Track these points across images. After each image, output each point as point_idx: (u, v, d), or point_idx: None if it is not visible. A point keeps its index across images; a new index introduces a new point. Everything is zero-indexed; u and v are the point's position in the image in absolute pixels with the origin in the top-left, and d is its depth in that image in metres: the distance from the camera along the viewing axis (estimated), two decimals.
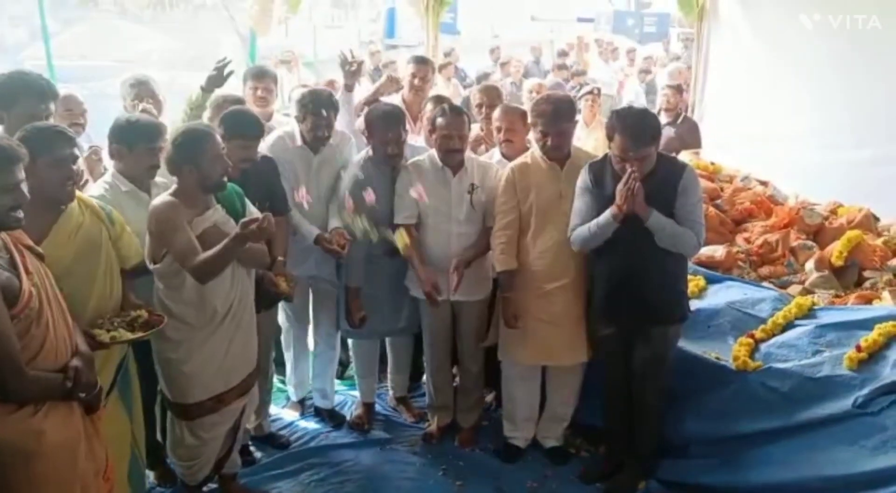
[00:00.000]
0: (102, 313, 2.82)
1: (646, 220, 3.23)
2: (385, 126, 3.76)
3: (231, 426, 3.29)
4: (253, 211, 3.21)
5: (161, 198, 2.99)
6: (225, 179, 3.01)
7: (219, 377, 3.11)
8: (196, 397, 3.10)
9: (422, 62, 4.92)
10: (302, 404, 4.39)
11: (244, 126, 3.43)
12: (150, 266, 2.99)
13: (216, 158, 2.97)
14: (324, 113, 3.77)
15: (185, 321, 3.01)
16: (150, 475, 3.60)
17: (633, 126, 3.24)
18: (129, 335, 2.75)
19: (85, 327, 2.68)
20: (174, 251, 2.88)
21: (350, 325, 3.95)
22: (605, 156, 3.44)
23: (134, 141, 3.20)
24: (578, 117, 6.82)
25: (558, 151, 3.56)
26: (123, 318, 2.81)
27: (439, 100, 4.32)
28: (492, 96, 4.55)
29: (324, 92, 3.97)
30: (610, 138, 3.32)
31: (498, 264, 3.62)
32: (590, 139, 6.49)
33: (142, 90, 4.17)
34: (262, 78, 4.54)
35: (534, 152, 3.65)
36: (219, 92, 3.89)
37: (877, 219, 4.75)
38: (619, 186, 3.21)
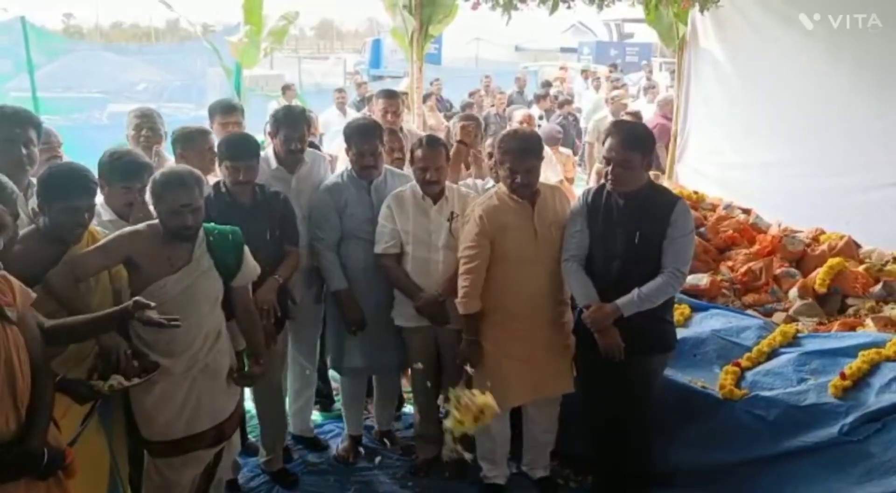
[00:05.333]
0: (89, 349, 2.80)
1: (623, 315, 3.28)
2: (361, 138, 3.83)
3: (202, 471, 3.20)
4: (250, 262, 3.16)
5: (144, 223, 3.01)
6: (185, 230, 2.92)
7: (177, 423, 3.01)
8: (155, 436, 3.03)
9: (391, 96, 4.94)
10: (286, 449, 4.20)
11: (236, 148, 3.49)
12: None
13: (173, 212, 2.89)
14: (296, 126, 3.83)
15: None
16: None
17: (624, 130, 3.35)
18: (126, 383, 2.69)
19: (63, 361, 2.67)
20: (70, 260, 2.81)
21: (348, 329, 3.89)
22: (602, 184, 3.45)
23: (111, 178, 3.23)
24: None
25: (527, 188, 3.50)
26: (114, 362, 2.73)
27: (391, 132, 4.40)
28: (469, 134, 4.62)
29: (297, 107, 4.01)
30: (603, 143, 3.39)
31: (462, 307, 3.53)
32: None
33: (143, 122, 4.19)
34: (231, 112, 4.52)
35: (500, 191, 3.59)
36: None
37: (858, 246, 4.80)
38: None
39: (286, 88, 11.09)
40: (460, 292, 3.54)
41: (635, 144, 3.26)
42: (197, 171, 3.04)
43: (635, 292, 3.25)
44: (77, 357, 2.80)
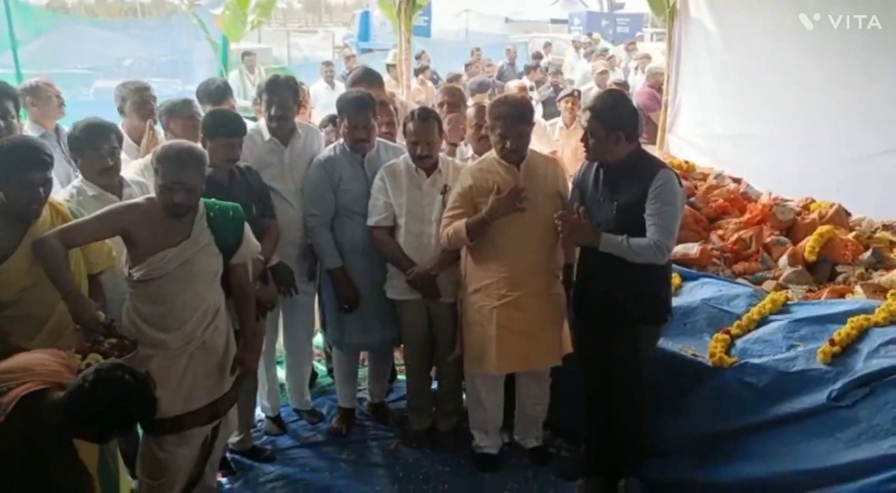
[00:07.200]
0: (65, 325, 2.79)
1: (598, 247, 3.25)
2: (355, 111, 3.79)
3: (198, 450, 3.20)
4: (251, 240, 3.16)
5: (143, 196, 3.01)
6: (173, 207, 2.90)
7: (175, 399, 2.99)
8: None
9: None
10: (279, 421, 4.27)
11: (225, 125, 3.45)
12: (125, 272, 2.97)
13: (164, 187, 2.88)
14: (277, 91, 3.79)
15: (138, 330, 2.95)
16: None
17: (590, 101, 3.39)
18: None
19: (48, 340, 2.67)
20: (73, 223, 2.86)
21: (341, 307, 3.91)
22: None
23: (79, 146, 3.23)
24: (557, 120, 6.91)
25: (517, 153, 3.53)
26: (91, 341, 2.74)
27: (382, 104, 4.27)
28: (454, 96, 4.62)
29: (281, 76, 3.96)
30: None
31: (455, 233, 3.52)
32: (570, 140, 6.51)
33: (147, 95, 4.19)
34: (223, 99, 4.49)
35: (489, 156, 3.63)
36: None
37: (848, 214, 4.80)
38: (557, 218, 3.30)
39: (245, 55, 10.62)
40: (446, 233, 3.57)
41: (597, 114, 3.27)
42: (201, 149, 3.02)
43: (624, 236, 3.22)
44: (53, 335, 2.79)
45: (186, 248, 2.95)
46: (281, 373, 4.40)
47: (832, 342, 3.38)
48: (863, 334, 3.41)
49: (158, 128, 4.13)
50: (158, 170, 2.89)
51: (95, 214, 2.90)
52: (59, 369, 2.30)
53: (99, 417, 2.13)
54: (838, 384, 3.23)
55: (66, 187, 3.39)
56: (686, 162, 5.75)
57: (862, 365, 3.27)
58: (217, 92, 4.51)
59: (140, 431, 3.16)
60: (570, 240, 3.38)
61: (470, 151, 4.19)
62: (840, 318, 3.53)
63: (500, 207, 3.42)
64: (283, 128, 3.85)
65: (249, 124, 3.89)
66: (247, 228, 3.15)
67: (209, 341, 3.07)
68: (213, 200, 3.09)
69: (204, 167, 2.97)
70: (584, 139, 3.35)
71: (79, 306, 2.78)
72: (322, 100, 8.71)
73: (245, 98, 8.95)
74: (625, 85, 8.37)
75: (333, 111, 4.21)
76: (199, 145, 3.09)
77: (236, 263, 3.14)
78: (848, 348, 3.37)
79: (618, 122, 3.27)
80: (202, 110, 4.12)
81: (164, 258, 2.90)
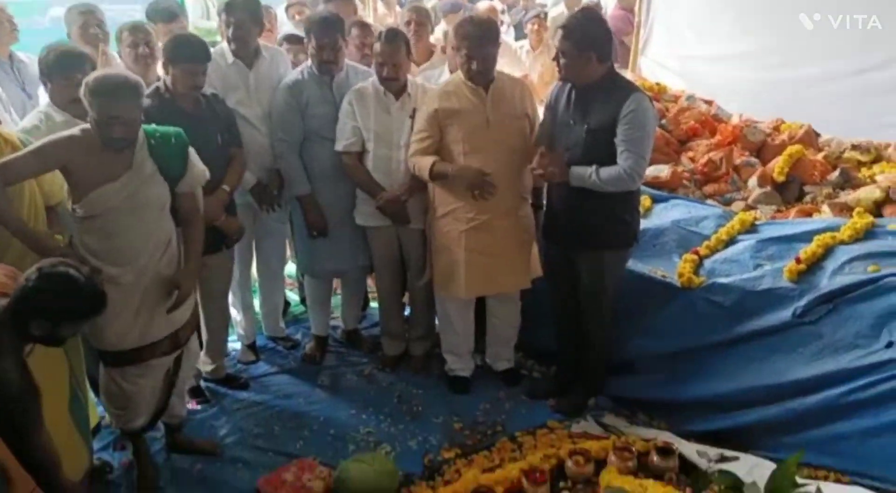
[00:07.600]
0: (25, 257, 2.71)
1: (569, 183, 3.25)
2: (321, 31, 3.67)
3: (162, 379, 3.14)
4: (197, 166, 2.99)
5: (78, 127, 2.82)
6: (111, 142, 2.72)
7: (132, 331, 2.90)
8: (110, 346, 2.93)
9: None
10: (254, 349, 4.28)
11: (186, 50, 3.29)
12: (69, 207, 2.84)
13: (100, 122, 2.69)
14: (233, 10, 3.67)
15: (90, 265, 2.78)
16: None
17: (569, 19, 3.32)
18: None
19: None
20: (7, 159, 2.69)
21: (310, 234, 3.88)
22: None
23: (50, 73, 3.12)
24: (524, 42, 6.79)
25: (483, 75, 3.46)
26: None
27: (362, 26, 4.25)
28: (421, 14, 4.53)
29: None
30: None
31: (418, 170, 3.53)
32: (536, 64, 6.42)
33: (89, 19, 4.02)
34: (173, 19, 4.34)
35: (455, 78, 3.57)
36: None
37: (818, 135, 4.81)
38: (535, 162, 3.30)
39: None
40: (414, 165, 3.55)
41: (567, 34, 3.21)
42: (135, 78, 2.81)
43: (594, 167, 3.20)
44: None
45: (129, 180, 2.79)
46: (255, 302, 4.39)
47: (798, 260, 3.42)
48: (828, 251, 3.47)
49: (113, 52, 3.99)
50: (92, 103, 2.69)
51: (29, 148, 2.73)
52: (3, 280, 2.27)
53: (47, 308, 2.15)
54: (803, 301, 3.30)
55: (31, 113, 3.27)
56: (657, 84, 5.70)
57: (826, 282, 3.33)
58: (166, 11, 4.34)
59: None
60: (545, 178, 3.36)
61: (446, 74, 4.11)
62: (806, 236, 3.57)
63: (468, 182, 3.45)
64: (243, 50, 3.73)
65: (213, 48, 3.76)
66: (192, 153, 2.99)
67: (164, 272, 2.96)
68: (153, 126, 2.91)
69: (141, 98, 2.78)
70: (556, 58, 3.29)
71: (32, 239, 2.70)
72: (287, 27, 8.45)
73: (208, 18, 8.63)
74: (597, 6, 8.19)
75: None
76: (133, 75, 2.87)
77: (182, 191, 2.98)
78: (813, 266, 3.43)
79: (589, 41, 3.21)
80: (154, 32, 3.98)
81: (106, 193, 2.75)
